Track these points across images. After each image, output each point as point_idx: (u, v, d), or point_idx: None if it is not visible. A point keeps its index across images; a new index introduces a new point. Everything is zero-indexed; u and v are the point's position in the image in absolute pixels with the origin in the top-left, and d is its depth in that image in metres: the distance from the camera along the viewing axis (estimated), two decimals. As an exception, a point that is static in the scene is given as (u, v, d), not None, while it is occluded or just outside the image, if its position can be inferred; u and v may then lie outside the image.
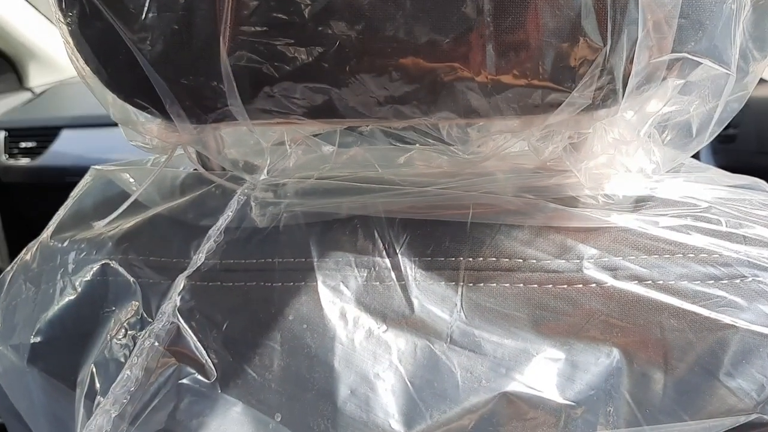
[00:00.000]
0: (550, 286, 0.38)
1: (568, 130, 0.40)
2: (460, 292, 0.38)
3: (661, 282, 0.37)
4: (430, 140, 0.44)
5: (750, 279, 0.37)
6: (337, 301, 0.39)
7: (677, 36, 0.35)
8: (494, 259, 0.39)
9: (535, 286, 0.38)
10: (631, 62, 0.35)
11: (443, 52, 0.35)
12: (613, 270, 0.38)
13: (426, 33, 0.34)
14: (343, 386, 0.37)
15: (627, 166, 0.42)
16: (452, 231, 0.40)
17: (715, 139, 0.42)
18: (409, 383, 0.37)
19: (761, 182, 0.46)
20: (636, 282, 0.37)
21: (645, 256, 0.38)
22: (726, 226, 0.39)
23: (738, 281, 0.37)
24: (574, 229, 0.40)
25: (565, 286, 0.38)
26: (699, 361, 0.35)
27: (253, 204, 0.44)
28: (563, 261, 0.39)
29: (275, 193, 0.45)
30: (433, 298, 0.39)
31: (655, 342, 0.36)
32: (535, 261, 0.39)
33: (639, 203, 0.42)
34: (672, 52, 0.36)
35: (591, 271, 0.38)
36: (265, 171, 0.46)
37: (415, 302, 0.38)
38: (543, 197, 0.41)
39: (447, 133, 0.43)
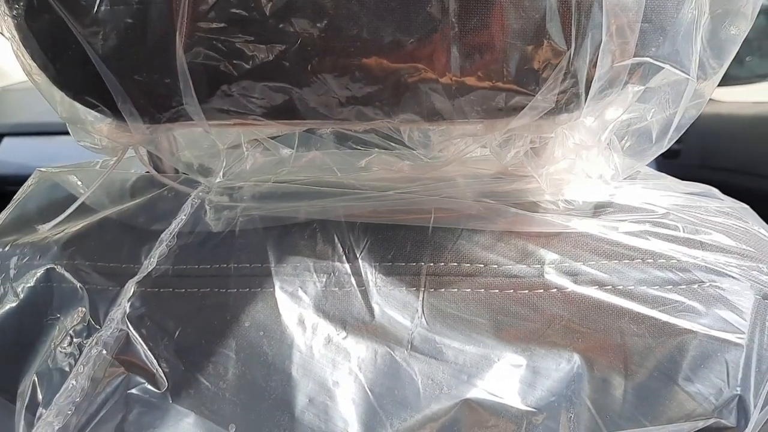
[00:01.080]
0: (512, 291, 0.38)
1: (530, 134, 0.40)
2: (421, 298, 0.38)
3: (620, 287, 0.37)
4: (391, 144, 0.44)
5: (707, 284, 0.37)
6: (295, 308, 0.38)
7: (639, 40, 0.36)
8: (456, 264, 0.39)
9: (496, 291, 0.38)
10: (595, 66, 0.35)
11: (407, 53, 0.34)
12: (573, 275, 0.38)
13: (390, 33, 0.34)
14: (300, 395, 0.36)
15: (587, 172, 0.42)
16: (413, 235, 0.40)
17: (660, 154, 0.42)
18: (369, 391, 0.36)
19: (714, 190, 0.47)
20: (596, 287, 0.37)
21: (605, 261, 0.38)
22: (683, 231, 0.40)
23: (696, 286, 0.37)
24: (535, 234, 0.40)
25: (527, 291, 0.38)
26: (658, 366, 0.35)
27: (207, 208, 0.43)
28: (524, 266, 0.38)
29: (231, 196, 0.43)
30: (394, 303, 0.38)
31: (615, 347, 0.36)
32: (496, 266, 0.39)
33: (599, 209, 0.42)
34: (634, 56, 0.36)
35: (552, 276, 0.38)
36: (221, 174, 0.44)
37: (376, 308, 0.38)
38: (504, 202, 0.41)
39: (408, 137, 0.42)
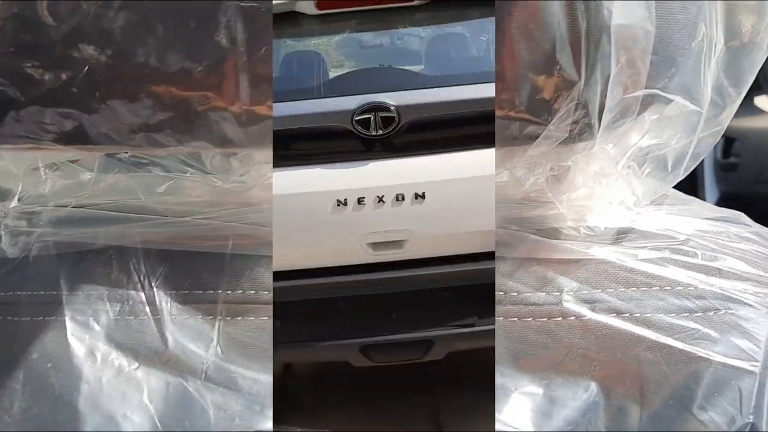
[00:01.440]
0: (530, 319, 0.38)
1: (550, 162, 0.40)
2: (216, 327, 0.38)
3: (638, 315, 0.38)
4: (189, 169, 0.43)
5: (723, 311, 0.38)
6: (85, 338, 0.37)
7: (650, 72, 0.37)
8: None
9: (516, 319, 0.38)
10: (606, 97, 0.36)
11: (195, 81, 0.34)
12: (591, 303, 0.38)
13: (178, 60, 0.34)
14: (87, 429, 0.35)
15: (608, 198, 0.43)
16: (210, 263, 0.40)
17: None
18: (158, 422, 0.35)
19: (741, 215, 0.48)
20: (614, 315, 0.38)
21: (623, 289, 0.39)
22: (702, 258, 0.41)
23: (711, 314, 0.38)
24: (555, 261, 0.40)
25: (545, 319, 0.38)
26: (673, 394, 0.36)
27: (3, 233, 0.41)
28: (543, 294, 0.39)
29: (29, 221, 0.42)
30: (188, 333, 0.38)
31: (631, 375, 0.36)
32: (516, 294, 0.39)
33: (620, 235, 0.42)
34: (645, 88, 0.37)
35: (570, 304, 0.38)
36: (17, 198, 0.43)
37: (170, 337, 0.37)
38: (526, 229, 0.41)
39: (210, 162, 0.42)
